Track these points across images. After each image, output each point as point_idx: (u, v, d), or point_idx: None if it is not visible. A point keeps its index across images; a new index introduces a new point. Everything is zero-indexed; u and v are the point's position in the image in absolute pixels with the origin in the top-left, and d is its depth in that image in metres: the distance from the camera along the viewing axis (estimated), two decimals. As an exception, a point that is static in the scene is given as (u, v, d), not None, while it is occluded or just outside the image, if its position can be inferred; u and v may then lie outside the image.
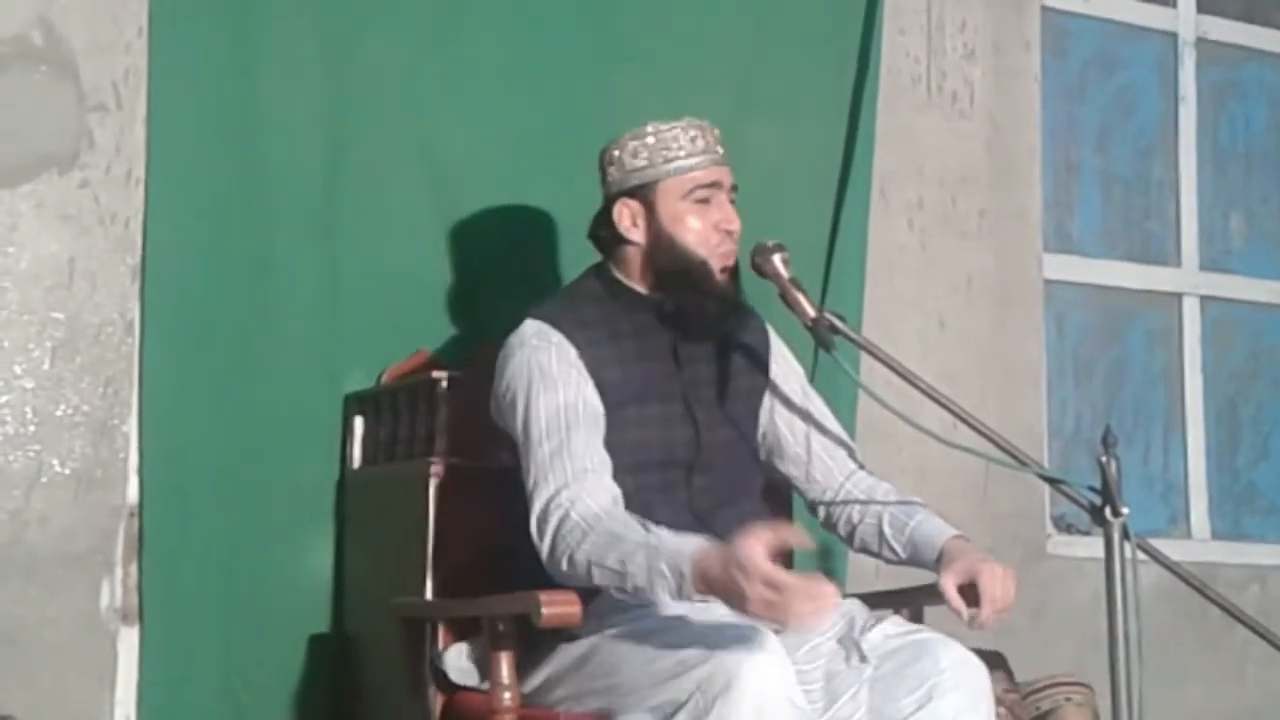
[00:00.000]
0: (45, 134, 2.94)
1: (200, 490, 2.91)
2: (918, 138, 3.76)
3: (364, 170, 3.10)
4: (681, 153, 2.55)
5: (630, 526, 2.32)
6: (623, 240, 2.58)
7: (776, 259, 2.54)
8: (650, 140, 2.55)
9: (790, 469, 2.71)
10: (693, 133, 2.56)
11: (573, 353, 2.50)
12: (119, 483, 2.92)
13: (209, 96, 2.98)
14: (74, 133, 2.95)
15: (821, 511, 2.71)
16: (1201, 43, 4.33)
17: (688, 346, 2.58)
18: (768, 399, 2.68)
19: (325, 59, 3.07)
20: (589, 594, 2.40)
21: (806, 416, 2.69)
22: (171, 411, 2.91)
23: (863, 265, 3.40)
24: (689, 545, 2.25)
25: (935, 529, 2.58)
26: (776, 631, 2.23)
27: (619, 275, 2.60)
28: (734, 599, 2.16)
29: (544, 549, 2.39)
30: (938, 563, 2.51)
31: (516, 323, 2.59)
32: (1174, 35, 4.31)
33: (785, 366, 2.73)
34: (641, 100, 3.22)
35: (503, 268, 3.15)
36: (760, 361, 2.68)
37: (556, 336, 2.51)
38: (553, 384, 2.47)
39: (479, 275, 3.14)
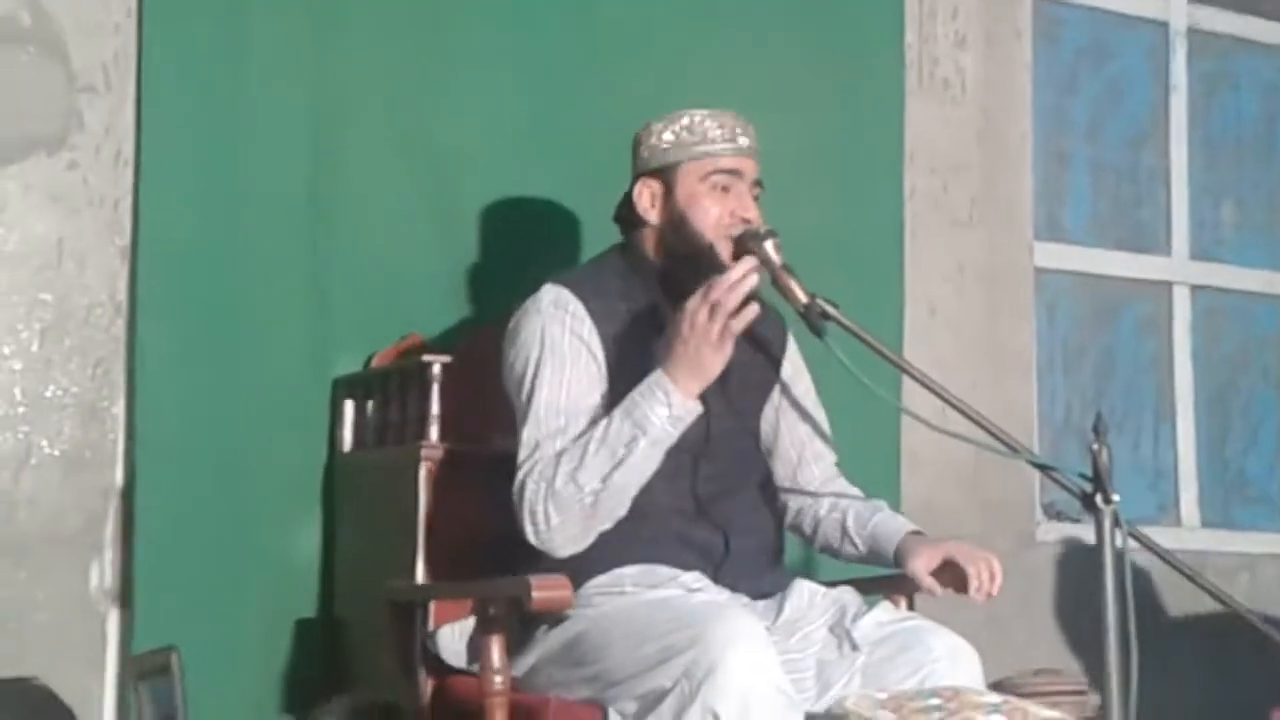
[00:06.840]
0: (34, 115, 2.92)
1: (189, 473, 2.89)
2: (909, 124, 3.74)
3: (355, 154, 3.08)
4: (708, 138, 2.55)
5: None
6: (642, 221, 2.58)
7: (768, 245, 2.52)
8: (680, 124, 2.56)
9: (778, 467, 2.71)
10: (723, 120, 2.56)
11: (587, 323, 2.50)
12: (108, 464, 2.91)
13: (199, 79, 2.97)
14: (63, 114, 2.93)
15: (791, 510, 2.71)
16: (1192, 32, 4.33)
17: None
18: (775, 396, 2.69)
19: (316, 41, 3.06)
20: (577, 577, 2.39)
21: (808, 420, 2.70)
22: (161, 393, 2.90)
23: (901, 259, 3.54)
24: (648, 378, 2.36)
25: (897, 525, 2.60)
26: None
27: (641, 253, 2.60)
28: (699, 342, 2.31)
29: (524, 513, 2.39)
30: (895, 556, 2.55)
31: (508, 307, 2.57)
32: (1165, 25, 4.30)
33: (797, 368, 2.73)
34: (634, 88, 3.21)
35: (494, 255, 3.13)
36: (773, 358, 2.69)
37: (574, 305, 2.51)
38: (560, 361, 2.47)
39: (471, 262, 3.13)
